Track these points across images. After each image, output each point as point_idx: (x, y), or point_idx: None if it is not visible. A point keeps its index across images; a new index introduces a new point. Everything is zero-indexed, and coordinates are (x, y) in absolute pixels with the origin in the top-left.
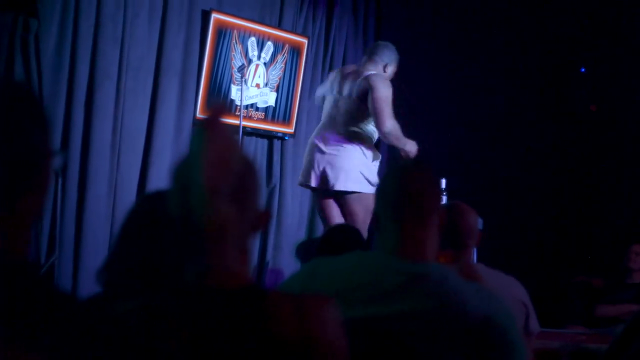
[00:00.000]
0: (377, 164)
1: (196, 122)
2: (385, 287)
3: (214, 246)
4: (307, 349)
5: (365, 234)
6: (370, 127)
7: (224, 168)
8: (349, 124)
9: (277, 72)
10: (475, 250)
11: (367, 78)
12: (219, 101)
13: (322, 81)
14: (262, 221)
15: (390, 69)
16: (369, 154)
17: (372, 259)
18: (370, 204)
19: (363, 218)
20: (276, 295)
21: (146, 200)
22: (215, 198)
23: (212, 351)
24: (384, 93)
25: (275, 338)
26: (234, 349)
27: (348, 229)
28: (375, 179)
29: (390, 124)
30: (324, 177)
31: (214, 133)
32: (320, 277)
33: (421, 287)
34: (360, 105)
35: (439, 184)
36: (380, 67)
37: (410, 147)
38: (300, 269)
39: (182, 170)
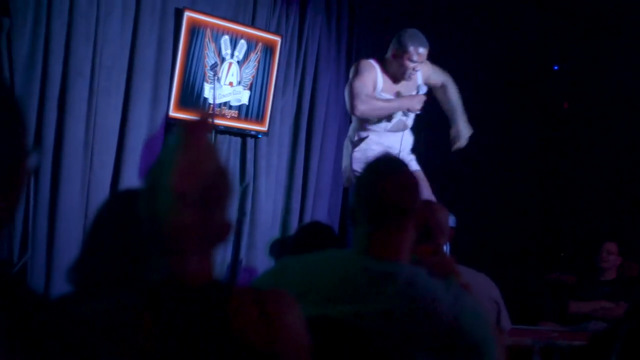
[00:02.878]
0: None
1: (174, 123)
2: (353, 286)
3: (177, 249)
4: (270, 343)
5: None
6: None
7: (195, 174)
8: None
9: (250, 70)
10: (447, 247)
11: None
12: (204, 110)
13: (295, 79)
14: (226, 232)
15: (392, 51)
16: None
17: (342, 258)
18: None
19: None
20: (238, 290)
21: (116, 200)
22: (182, 202)
23: (178, 347)
24: (347, 87)
25: (238, 332)
26: (198, 344)
27: (321, 227)
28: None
29: (360, 107)
30: None
31: (192, 138)
32: (289, 275)
33: (390, 286)
34: None
35: (416, 185)
36: (390, 58)
37: (408, 102)
38: (270, 267)
39: (155, 171)
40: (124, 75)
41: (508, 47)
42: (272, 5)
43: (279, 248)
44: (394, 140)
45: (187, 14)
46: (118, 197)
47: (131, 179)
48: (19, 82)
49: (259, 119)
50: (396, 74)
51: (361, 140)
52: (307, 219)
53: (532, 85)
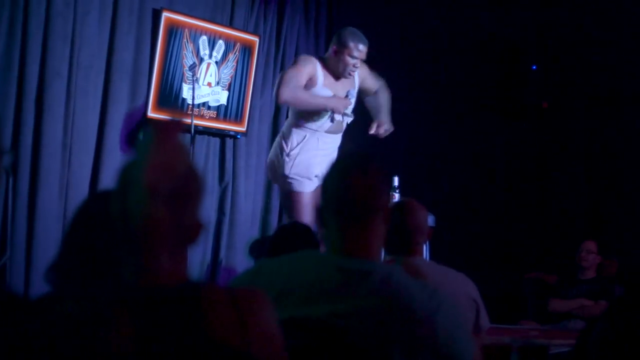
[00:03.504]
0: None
1: (147, 123)
2: (328, 285)
3: (148, 247)
4: (244, 342)
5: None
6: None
7: (167, 171)
8: None
9: (228, 70)
10: (427, 247)
11: None
12: (177, 110)
13: (273, 79)
14: (197, 231)
15: (333, 49)
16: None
17: (315, 258)
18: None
19: None
20: (211, 289)
21: (92, 200)
22: (153, 200)
23: (152, 345)
24: (284, 70)
25: (211, 331)
26: (172, 344)
27: (299, 228)
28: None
29: (283, 94)
30: None
31: (164, 136)
32: (263, 277)
33: (365, 284)
34: None
35: (385, 181)
36: (331, 55)
37: (335, 103)
38: (245, 270)
39: (127, 170)
40: (102, 76)
41: (488, 47)
42: (250, 6)
43: (258, 248)
44: (332, 142)
45: (165, 15)
46: (94, 197)
47: (110, 179)
48: None
49: (238, 119)
50: (336, 71)
51: (299, 142)
52: (286, 219)
53: (511, 85)
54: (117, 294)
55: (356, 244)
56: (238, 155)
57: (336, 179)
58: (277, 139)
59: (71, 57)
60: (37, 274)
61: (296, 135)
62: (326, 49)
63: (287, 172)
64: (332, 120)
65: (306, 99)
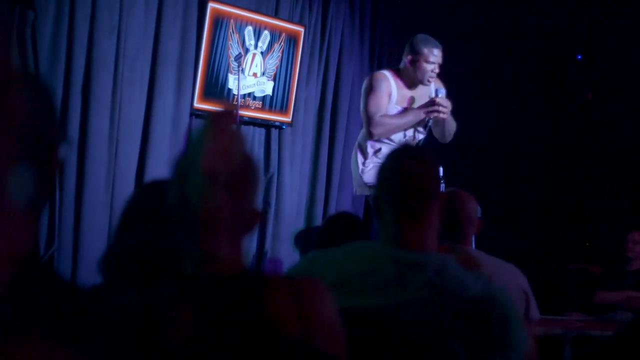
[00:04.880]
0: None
1: (199, 114)
2: (382, 277)
3: (208, 234)
4: (305, 331)
5: None
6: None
7: (225, 158)
8: None
9: (274, 61)
10: (474, 238)
11: None
12: (224, 101)
13: (318, 70)
14: (255, 220)
15: (408, 59)
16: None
17: (369, 250)
18: None
19: None
20: (272, 279)
21: (144, 190)
22: (213, 186)
23: (213, 336)
24: (361, 104)
25: (273, 321)
26: (234, 333)
27: (348, 217)
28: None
29: (375, 132)
30: None
31: (221, 125)
32: (317, 269)
33: (419, 276)
34: None
35: (438, 171)
36: (405, 65)
37: (423, 109)
38: (297, 261)
39: (183, 159)
40: (148, 67)
41: (533, 37)
42: None
43: (303, 239)
44: None
45: (211, 5)
46: (146, 187)
47: (156, 170)
48: (43, 75)
49: (283, 109)
50: (415, 80)
51: (374, 152)
52: (332, 209)
53: (557, 75)
54: (177, 285)
55: (411, 235)
56: (283, 146)
57: (390, 169)
58: (354, 151)
59: (117, 48)
60: (85, 265)
61: (371, 146)
62: (371, 40)
63: (366, 180)
64: (405, 135)
65: (396, 125)
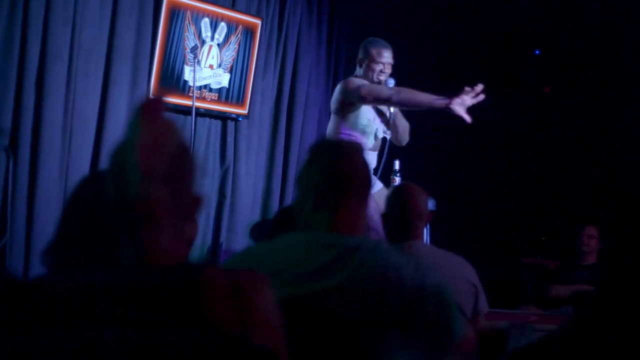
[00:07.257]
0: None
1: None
2: (317, 263)
3: (147, 227)
4: (241, 323)
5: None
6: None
7: (159, 151)
8: None
9: (230, 53)
10: (427, 230)
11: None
12: (168, 86)
13: (275, 62)
14: (196, 206)
15: (364, 64)
16: None
17: (301, 239)
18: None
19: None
20: (210, 270)
21: (86, 182)
22: (149, 180)
23: (145, 325)
24: (351, 85)
25: (210, 312)
26: (170, 322)
27: None
28: None
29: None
30: None
31: (150, 116)
32: (251, 260)
33: (353, 259)
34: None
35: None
36: (358, 69)
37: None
38: (234, 253)
39: (119, 153)
40: (103, 58)
41: (490, 32)
42: None
43: (259, 231)
44: (373, 160)
45: None
46: (88, 179)
47: None
48: None
49: (240, 101)
50: (370, 82)
51: None
52: (288, 202)
53: (513, 69)
54: (112, 275)
55: (343, 221)
56: (239, 138)
57: (325, 160)
58: None
59: (72, 39)
60: (37, 256)
61: None
62: (328, 33)
63: None
64: (375, 138)
65: (420, 98)
